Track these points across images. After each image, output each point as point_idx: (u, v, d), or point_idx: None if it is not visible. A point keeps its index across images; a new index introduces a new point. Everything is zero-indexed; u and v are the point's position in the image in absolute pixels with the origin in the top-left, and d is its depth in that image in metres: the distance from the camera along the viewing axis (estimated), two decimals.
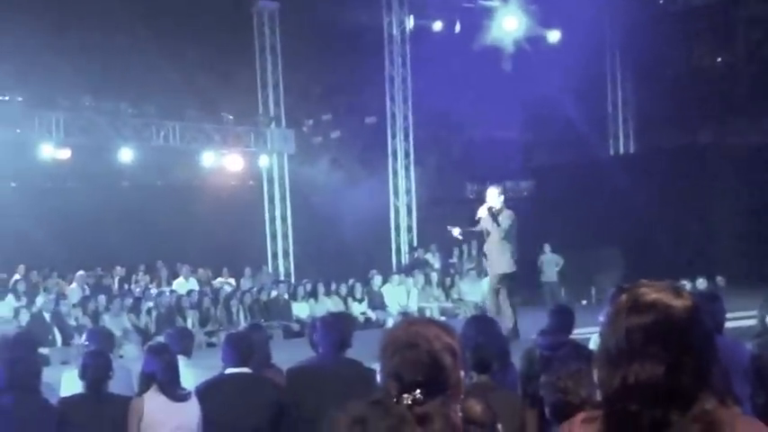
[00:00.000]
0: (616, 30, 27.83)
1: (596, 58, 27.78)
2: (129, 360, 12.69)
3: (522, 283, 24.19)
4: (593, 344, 7.92)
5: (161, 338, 14.51)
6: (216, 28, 23.22)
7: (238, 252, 24.62)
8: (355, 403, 3.05)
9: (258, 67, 25.85)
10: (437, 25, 26.03)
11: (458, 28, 25.76)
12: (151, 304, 19.79)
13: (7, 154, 21.08)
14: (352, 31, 24.14)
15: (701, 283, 19.86)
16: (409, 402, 2.88)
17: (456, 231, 16.07)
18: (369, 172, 25.70)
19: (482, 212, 14.83)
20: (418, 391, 2.89)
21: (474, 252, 24.89)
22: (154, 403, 6.58)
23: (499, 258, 14.79)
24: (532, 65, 25.27)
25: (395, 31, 26.24)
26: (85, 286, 20.90)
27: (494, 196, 14.82)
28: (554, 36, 26.31)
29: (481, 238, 15.23)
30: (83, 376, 6.65)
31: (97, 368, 6.66)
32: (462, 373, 3.09)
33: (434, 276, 23.26)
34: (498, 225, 14.53)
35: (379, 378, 3.13)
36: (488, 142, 26.47)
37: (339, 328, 7.03)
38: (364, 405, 2.98)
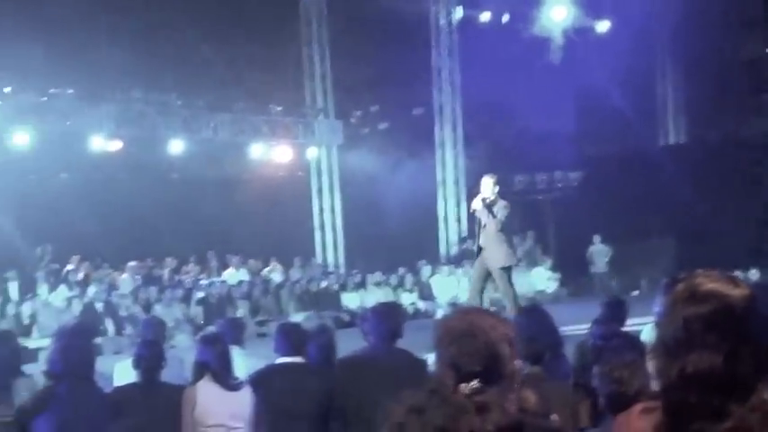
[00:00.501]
0: (665, 20, 27.59)
1: (645, 48, 27.53)
2: (181, 350, 12.78)
3: (569, 274, 24.26)
4: (646, 335, 7.89)
5: (212, 328, 14.64)
6: (264, 20, 23.29)
7: (287, 243, 24.71)
8: (411, 392, 3.05)
9: (306, 59, 25.91)
10: (485, 15, 25.94)
11: (506, 18, 25.67)
12: (202, 295, 19.93)
13: (59, 146, 21.27)
14: (400, 21, 24.08)
15: (754, 274, 19.68)
16: (468, 392, 2.88)
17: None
18: (417, 163, 25.68)
19: (476, 204, 14.10)
20: (476, 380, 2.90)
21: (529, 242, 24.85)
22: (207, 392, 6.63)
23: (497, 251, 13.97)
24: (581, 55, 25.13)
25: (442, 22, 26.17)
26: (137, 277, 21.07)
27: (488, 186, 14.10)
28: (603, 26, 26.15)
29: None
30: (137, 366, 6.71)
31: (151, 358, 6.72)
32: (517, 363, 3.09)
33: None
34: (494, 216, 13.82)
35: (433, 367, 3.14)
36: (537, 132, 26.31)
37: (390, 317, 7.03)
38: (421, 394, 2.98)
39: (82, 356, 6.25)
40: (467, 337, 3.01)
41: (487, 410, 2.85)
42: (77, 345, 6.33)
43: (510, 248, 14.17)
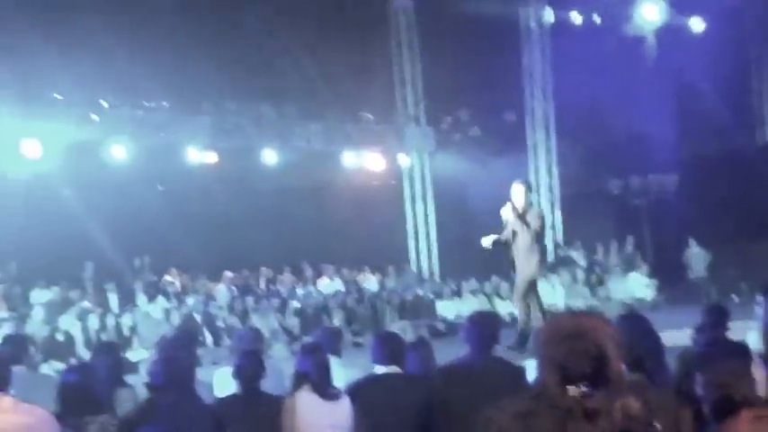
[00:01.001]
0: (759, 17, 27.04)
1: (739, 47, 27.03)
2: (277, 360, 12.86)
3: (666, 279, 23.85)
4: (752, 341, 7.74)
5: (308, 338, 14.71)
6: (354, 28, 23.38)
7: (381, 251, 24.72)
8: (513, 399, 3.01)
9: (396, 66, 25.97)
10: (576, 17, 25.73)
11: (597, 19, 25.42)
12: (297, 305, 20.03)
13: (155, 159, 21.58)
14: (490, 25, 23.96)
15: None
16: (577, 395, 2.82)
17: (486, 241, 13.61)
18: (509, 168, 25.50)
19: (506, 213, 13.23)
20: (583, 383, 2.84)
21: (629, 248, 24.53)
22: (306, 402, 6.64)
23: (528, 262, 13.14)
24: (675, 55, 24.77)
25: (533, 24, 26.03)
26: (233, 287, 21.27)
27: (519, 194, 13.29)
28: (697, 25, 25.75)
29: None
30: (237, 376, 6.75)
31: (251, 368, 6.76)
32: (623, 367, 3.04)
33: (581, 274, 22.93)
34: (528, 226, 13.03)
35: (536, 371, 3.08)
36: (631, 135, 25.97)
37: (487, 326, 7.01)
38: (525, 400, 2.94)
39: (183, 368, 6.31)
40: (576, 336, 2.97)
41: (596, 416, 2.80)
42: (179, 356, 6.40)
43: (542, 260, 13.42)
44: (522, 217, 13.11)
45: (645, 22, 24.58)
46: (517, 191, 13.32)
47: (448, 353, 8.09)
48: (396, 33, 25.87)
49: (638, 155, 25.68)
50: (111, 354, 7.89)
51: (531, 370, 6.98)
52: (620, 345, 3.01)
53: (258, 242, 22.69)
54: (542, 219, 13.45)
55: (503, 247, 13.49)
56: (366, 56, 24.51)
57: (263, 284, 22.30)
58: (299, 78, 22.71)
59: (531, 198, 13.68)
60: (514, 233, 13.18)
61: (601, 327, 3.02)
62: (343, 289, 21.63)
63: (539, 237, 13.23)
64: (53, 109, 19.79)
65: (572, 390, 2.83)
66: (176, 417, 5.99)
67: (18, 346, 7.58)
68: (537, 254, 13.19)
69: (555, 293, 21.82)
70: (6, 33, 18.52)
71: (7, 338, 8.27)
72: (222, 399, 6.91)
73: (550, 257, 25.33)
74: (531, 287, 13.33)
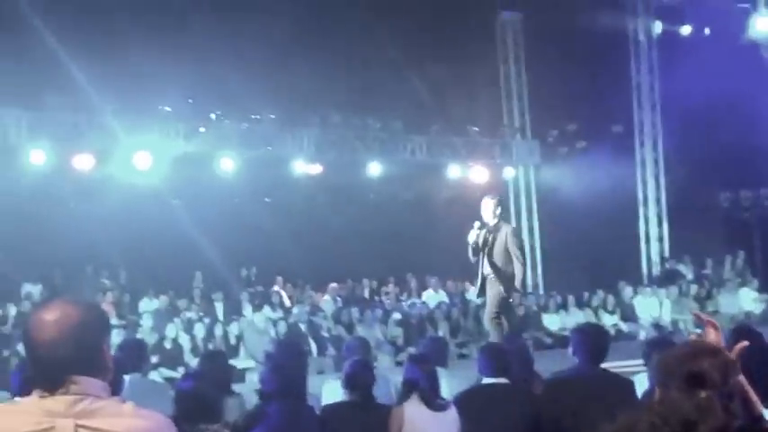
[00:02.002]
0: None
1: None
2: (381, 370, 12.93)
3: None
4: None
5: (412, 349, 14.73)
6: (460, 41, 23.35)
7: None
8: (628, 414, 3.00)
9: (502, 79, 25.90)
10: (685, 29, 25.38)
11: (707, 30, 25.05)
12: (401, 316, 20.06)
13: (261, 171, 21.85)
14: (597, 38, 23.77)
15: None
16: (703, 404, 2.86)
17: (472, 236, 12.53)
18: (616, 181, 25.22)
19: (472, 237, 12.39)
20: (703, 392, 2.87)
21: (740, 261, 24.10)
22: (414, 412, 6.66)
23: (499, 281, 12.29)
24: None
25: (641, 37, 25.75)
26: (338, 298, 21.40)
27: (488, 209, 12.52)
28: None
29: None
30: (349, 385, 6.79)
31: (363, 376, 6.81)
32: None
33: (689, 288, 22.55)
34: (496, 242, 12.28)
35: (656, 384, 3.11)
36: (742, 148, 25.48)
37: (597, 338, 6.95)
38: (643, 413, 2.94)
39: (294, 376, 6.37)
40: (712, 353, 3.09)
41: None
42: (290, 364, 6.46)
43: (514, 279, 12.28)
44: (493, 233, 12.41)
45: (758, 33, 24.09)
46: (486, 206, 12.60)
47: (553, 365, 8.04)
48: (503, 46, 25.82)
49: (748, 168, 25.23)
50: (218, 362, 7.99)
51: (640, 384, 6.91)
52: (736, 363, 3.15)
53: (362, 253, 22.78)
54: (518, 237, 12.73)
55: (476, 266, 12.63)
56: (472, 68, 24.46)
57: (367, 295, 22.38)
58: (405, 91, 22.75)
59: (502, 214, 12.75)
60: (485, 251, 12.40)
61: (720, 347, 3.21)
62: (447, 300, 21.59)
63: (513, 255, 12.33)
64: (163, 121, 20.20)
65: (702, 400, 2.88)
66: (285, 424, 6.05)
67: (133, 352, 7.70)
68: (509, 273, 12.33)
69: (662, 308, 21.53)
70: (118, 47, 18.95)
71: (123, 345, 8.40)
72: (332, 405, 6.96)
73: (655, 271, 25.05)
74: (502, 308, 12.38)
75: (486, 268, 12.41)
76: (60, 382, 2.99)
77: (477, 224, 12.41)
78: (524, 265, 12.52)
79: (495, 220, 12.48)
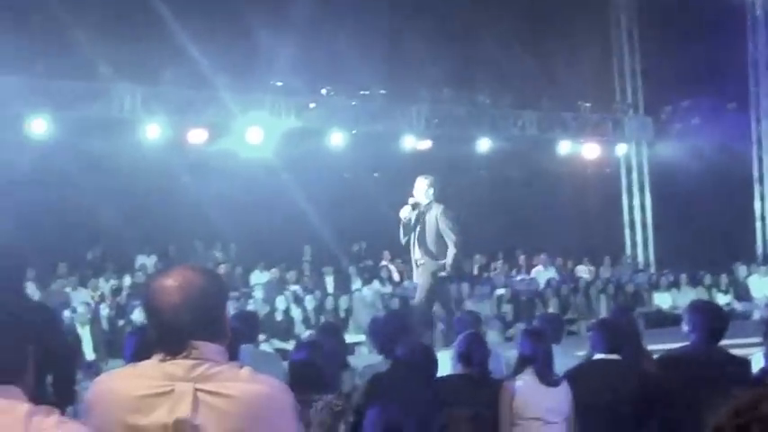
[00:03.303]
0: None
1: None
2: (492, 345, 12.92)
3: None
4: None
5: (521, 325, 14.71)
6: (573, 15, 23.11)
7: (596, 241, 24.43)
8: (747, 392, 2.95)
9: (615, 54, 25.60)
10: None
11: None
12: (510, 292, 20.00)
13: (371, 146, 21.93)
14: (714, 13, 23.30)
15: None
16: None
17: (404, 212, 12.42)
18: (731, 159, 24.74)
19: (404, 213, 12.27)
20: None
21: None
22: (526, 385, 6.69)
23: (432, 261, 12.16)
24: None
25: (759, 12, 25.13)
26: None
27: (421, 189, 12.35)
28: None
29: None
30: (463, 359, 6.84)
31: (478, 351, 6.86)
32: None
33: None
34: (427, 224, 12.15)
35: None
36: None
37: (712, 316, 6.85)
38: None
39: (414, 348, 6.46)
40: None
41: None
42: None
43: (445, 258, 12.13)
44: (425, 213, 12.26)
45: None
46: (420, 186, 12.42)
47: (664, 342, 7.97)
48: (616, 21, 25.50)
49: None
50: (334, 335, 8.09)
51: (756, 363, 6.82)
52: None
53: (471, 229, 22.71)
54: (450, 217, 12.30)
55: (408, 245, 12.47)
56: (584, 44, 24.20)
57: (476, 271, 22.35)
58: (515, 66, 22.60)
59: (434, 194, 12.41)
60: (416, 231, 12.29)
61: None
62: (556, 277, 21.46)
63: (445, 234, 12.18)
64: (274, 97, 20.39)
65: None
66: (403, 395, 6.10)
67: (247, 322, 7.81)
68: (442, 252, 12.17)
69: None
70: (232, 23, 19.17)
71: (238, 315, 8.54)
72: (448, 377, 7.02)
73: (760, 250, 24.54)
74: (435, 294, 12.36)
75: (416, 253, 12.31)
76: (182, 347, 3.05)
77: (411, 200, 12.33)
78: (458, 245, 12.25)
79: (427, 201, 12.32)
